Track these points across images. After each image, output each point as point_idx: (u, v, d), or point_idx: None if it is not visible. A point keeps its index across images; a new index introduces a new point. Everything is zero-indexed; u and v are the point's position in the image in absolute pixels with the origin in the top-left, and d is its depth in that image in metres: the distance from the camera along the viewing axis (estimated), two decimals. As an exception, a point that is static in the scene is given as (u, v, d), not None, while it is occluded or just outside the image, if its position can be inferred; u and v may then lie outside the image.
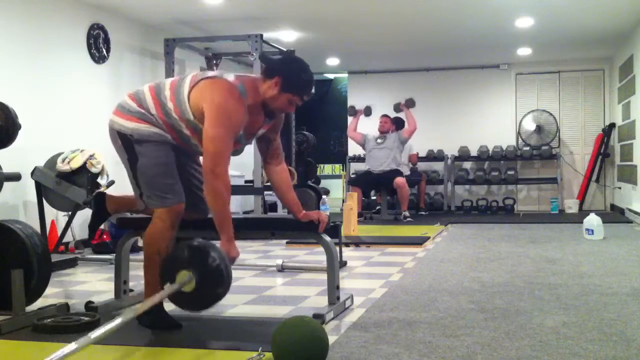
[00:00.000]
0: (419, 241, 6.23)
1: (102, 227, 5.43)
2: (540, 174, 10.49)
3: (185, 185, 3.19)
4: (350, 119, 9.64)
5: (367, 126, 9.49)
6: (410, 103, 9.18)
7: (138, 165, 3.07)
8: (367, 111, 9.50)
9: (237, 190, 8.68)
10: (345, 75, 11.50)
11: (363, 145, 9.18)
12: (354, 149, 10.69)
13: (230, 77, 3.06)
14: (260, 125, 3.21)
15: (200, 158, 3.21)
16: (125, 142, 3.09)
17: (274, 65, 3.13)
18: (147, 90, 3.14)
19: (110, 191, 4.91)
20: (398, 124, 9.27)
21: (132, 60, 7.32)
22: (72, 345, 2.31)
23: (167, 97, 3.07)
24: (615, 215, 8.99)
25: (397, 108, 9.34)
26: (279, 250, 5.94)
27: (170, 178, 3.10)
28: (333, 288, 3.32)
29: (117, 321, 2.54)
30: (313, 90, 3.20)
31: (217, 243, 2.93)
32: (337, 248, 3.53)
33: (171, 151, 3.11)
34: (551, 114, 10.30)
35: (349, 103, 11.03)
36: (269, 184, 3.67)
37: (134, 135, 3.06)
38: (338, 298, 3.34)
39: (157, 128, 3.07)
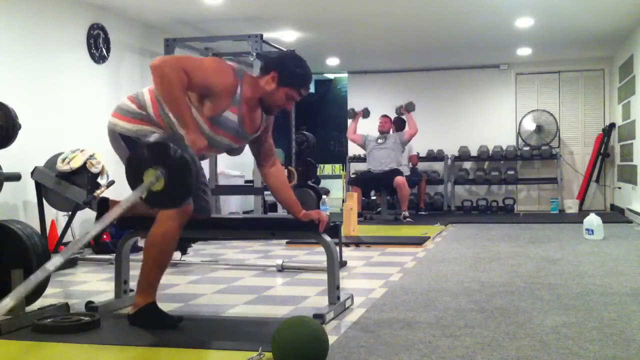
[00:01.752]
0: (419, 241, 6.23)
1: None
2: (540, 174, 10.49)
3: None
4: (349, 122, 9.64)
5: (367, 127, 9.49)
6: (410, 107, 9.18)
7: None
8: (366, 113, 9.50)
9: (237, 190, 8.72)
10: (345, 75, 11.49)
11: (363, 146, 9.20)
12: (354, 149, 10.69)
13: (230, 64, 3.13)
14: (259, 123, 3.21)
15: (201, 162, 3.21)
16: (130, 144, 3.08)
17: (269, 60, 3.15)
18: (146, 93, 3.14)
19: (110, 191, 4.91)
20: (399, 124, 9.27)
21: (132, 60, 7.32)
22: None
23: None
24: (615, 215, 8.99)
25: (399, 111, 9.35)
26: (279, 250, 5.94)
27: None
28: (333, 288, 3.32)
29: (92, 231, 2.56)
30: (312, 87, 3.21)
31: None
32: (337, 248, 3.53)
33: None
34: (551, 114, 10.30)
35: (349, 103, 11.03)
36: (266, 184, 3.66)
37: (139, 137, 3.06)
38: (338, 298, 3.34)
39: (159, 130, 3.07)
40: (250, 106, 3.12)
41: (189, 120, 2.90)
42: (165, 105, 2.97)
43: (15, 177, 4.67)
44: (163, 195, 2.73)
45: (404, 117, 9.27)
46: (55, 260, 2.42)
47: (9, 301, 2.26)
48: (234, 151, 3.33)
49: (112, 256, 4.85)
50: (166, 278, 3.14)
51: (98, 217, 3.49)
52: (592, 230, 6.33)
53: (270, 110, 3.20)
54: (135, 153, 2.83)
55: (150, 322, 3.04)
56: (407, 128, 9.12)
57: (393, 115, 9.44)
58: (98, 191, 5.14)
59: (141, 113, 3.09)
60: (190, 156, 2.74)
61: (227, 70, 3.05)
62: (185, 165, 2.71)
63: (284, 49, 7.40)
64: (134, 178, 2.76)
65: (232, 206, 8.87)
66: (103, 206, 3.49)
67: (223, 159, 7.94)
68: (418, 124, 9.16)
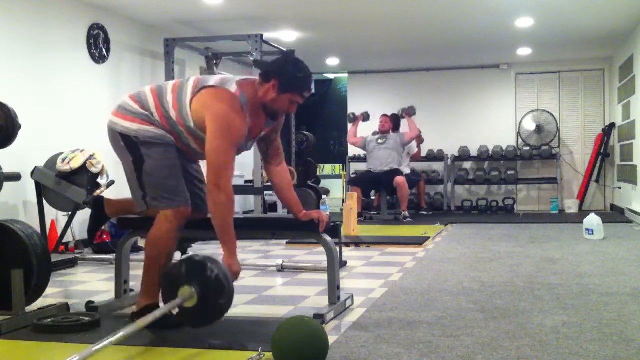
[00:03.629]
0: (419, 241, 6.23)
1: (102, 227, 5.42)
2: (540, 174, 10.49)
3: (187, 186, 3.19)
4: (349, 126, 9.64)
5: (367, 129, 9.50)
6: (411, 111, 9.18)
7: (144, 167, 3.06)
8: (366, 117, 9.50)
9: (237, 190, 8.68)
10: (345, 75, 11.50)
11: (364, 148, 9.21)
12: (354, 148, 10.68)
13: (233, 86, 3.03)
14: (261, 128, 3.21)
15: (201, 162, 3.22)
16: (130, 144, 3.08)
17: (268, 68, 3.11)
18: (149, 92, 3.13)
19: (110, 191, 4.91)
20: (394, 122, 9.27)
21: (132, 60, 7.32)
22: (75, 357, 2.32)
23: (170, 102, 3.06)
24: (615, 215, 8.99)
25: (401, 115, 9.35)
26: (279, 250, 5.94)
27: (177, 180, 3.10)
28: (334, 288, 3.32)
29: (120, 334, 2.53)
30: (313, 88, 3.20)
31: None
32: (337, 248, 3.53)
33: (176, 153, 3.11)
34: (551, 114, 10.30)
35: (349, 103, 11.04)
36: (269, 183, 3.66)
37: (139, 137, 3.05)
38: (339, 298, 3.34)
39: (160, 130, 3.07)
40: (254, 115, 3.10)
41: (230, 243, 3.00)
42: (213, 222, 3.01)
43: (15, 177, 4.67)
44: (194, 312, 2.76)
45: (404, 119, 9.28)
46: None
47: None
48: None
49: (112, 256, 4.85)
50: (166, 278, 3.14)
51: (93, 216, 3.49)
52: (592, 230, 6.33)
53: (276, 116, 3.19)
54: (174, 268, 2.87)
55: (151, 322, 3.04)
56: (407, 129, 9.14)
57: (391, 114, 9.43)
58: (98, 191, 5.13)
59: (143, 113, 3.08)
60: (227, 279, 2.78)
61: (240, 118, 2.99)
62: (220, 288, 2.75)
63: (284, 49, 7.40)
64: (169, 290, 2.81)
65: (232, 206, 8.86)
66: (98, 205, 3.49)
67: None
68: (418, 123, 9.17)
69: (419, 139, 9.53)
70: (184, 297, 2.74)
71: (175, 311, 2.81)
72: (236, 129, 2.97)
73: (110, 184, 5.33)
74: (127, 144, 3.09)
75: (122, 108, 3.14)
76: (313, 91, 3.21)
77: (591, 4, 6.91)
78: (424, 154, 10.36)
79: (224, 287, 2.76)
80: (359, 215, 7.97)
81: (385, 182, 8.80)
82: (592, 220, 6.39)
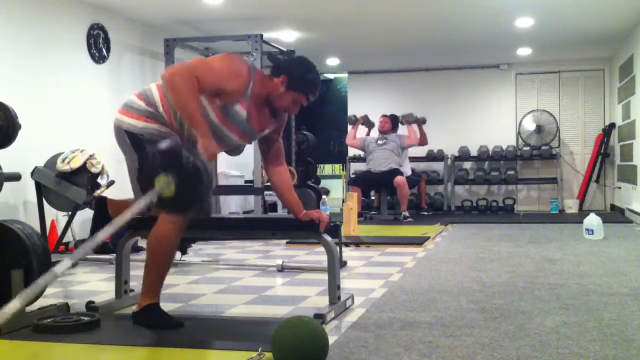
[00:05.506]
0: (419, 241, 6.22)
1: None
2: (540, 174, 10.49)
3: None
4: (349, 128, 9.64)
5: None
6: (409, 118, 9.16)
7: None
8: (367, 121, 9.50)
9: (237, 190, 8.71)
10: (345, 75, 11.49)
11: (364, 149, 9.21)
12: (354, 149, 10.70)
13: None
14: (266, 124, 3.22)
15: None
16: (135, 142, 3.08)
17: (281, 63, 3.18)
18: (154, 89, 3.14)
19: (110, 191, 4.91)
20: (394, 122, 9.27)
21: (132, 60, 7.33)
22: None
23: None
24: (615, 215, 8.99)
25: (401, 121, 9.34)
26: (279, 250, 5.94)
27: None
28: (334, 288, 3.32)
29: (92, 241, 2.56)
30: (317, 92, 3.21)
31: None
32: (337, 248, 3.53)
33: None
34: (551, 114, 10.30)
35: (349, 103, 11.03)
36: (269, 183, 3.67)
37: (144, 135, 3.06)
38: (339, 298, 3.35)
39: (165, 127, 3.07)
40: (257, 104, 3.14)
41: (202, 128, 2.93)
42: (178, 113, 2.99)
43: (15, 177, 4.67)
44: (173, 200, 2.74)
45: (404, 125, 9.28)
46: (63, 264, 2.43)
47: (16, 303, 2.27)
48: (233, 151, 3.33)
49: (112, 256, 4.85)
50: (166, 278, 3.14)
51: (95, 217, 3.49)
52: (592, 230, 6.33)
53: (275, 112, 3.21)
54: (148, 159, 2.84)
55: (151, 322, 3.04)
56: (406, 132, 9.16)
57: (391, 114, 9.43)
58: (98, 191, 5.13)
59: (149, 110, 3.09)
60: (202, 163, 2.76)
61: (240, 70, 3.07)
62: (196, 173, 2.74)
63: (284, 49, 7.40)
64: (145, 183, 2.78)
65: (232, 206, 8.87)
66: (101, 205, 3.49)
67: (223, 158, 7.94)
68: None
69: (422, 142, 9.46)
70: (161, 187, 2.73)
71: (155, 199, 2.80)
72: (236, 71, 3.03)
73: (110, 184, 5.33)
74: (132, 142, 3.09)
75: (128, 106, 3.15)
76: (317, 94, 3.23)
77: (591, 4, 6.91)
78: (423, 154, 10.37)
79: (201, 172, 2.75)
80: (359, 215, 7.96)
81: (385, 182, 8.80)
82: (592, 220, 6.39)
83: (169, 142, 2.87)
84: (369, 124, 9.55)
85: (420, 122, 9.27)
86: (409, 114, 9.22)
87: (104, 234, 2.63)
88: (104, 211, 3.47)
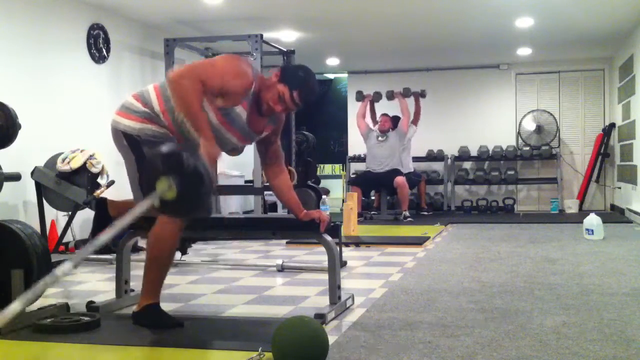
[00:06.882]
0: (419, 241, 6.23)
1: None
2: (540, 174, 10.49)
3: None
4: (359, 105, 9.56)
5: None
6: (406, 92, 9.13)
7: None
8: (377, 97, 9.42)
9: (237, 190, 8.71)
10: (345, 75, 11.50)
11: (365, 137, 9.15)
12: (354, 149, 10.70)
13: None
14: (263, 126, 3.22)
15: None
16: (132, 143, 3.08)
17: (283, 65, 3.26)
18: (151, 90, 3.14)
19: (110, 191, 4.91)
20: (395, 122, 9.26)
21: (132, 60, 7.33)
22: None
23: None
24: (615, 215, 8.99)
25: (391, 96, 9.28)
26: (279, 250, 5.94)
27: None
28: (334, 288, 3.32)
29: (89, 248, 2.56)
30: (305, 94, 3.19)
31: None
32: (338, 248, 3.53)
33: None
34: (551, 114, 10.30)
35: (349, 103, 11.03)
36: (268, 183, 3.66)
37: (141, 136, 3.06)
38: (339, 298, 3.35)
39: (163, 129, 3.07)
40: (257, 106, 3.15)
41: (206, 132, 2.94)
42: (179, 116, 2.99)
43: (15, 177, 4.68)
44: (174, 204, 2.75)
45: (393, 100, 9.23)
46: (65, 267, 2.43)
47: (16, 306, 2.27)
48: (232, 151, 3.33)
49: (112, 256, 4.85)
50: (166, 278, 3.14)
51: (96, 218, 3.49)
52: (592, 230, 6.33)
53: (260, 109, 3.18)
54: (147, 160, 2.85)
55: (151, 322, 3.04)
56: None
57: (392, 115, 9.42)
58: (98, 191, 5.14)
59: (145, 111, 3.08)
60: (204, 166, 2.76)
61: (246, 71, 3.09)
62: (198, 176, 2.73)
63: (284, 49, 7.40)
64: (147, 185, 2.78)
65: (232, 206, 8.87)
66: (101, 206, 3.48)
67: (223, 158, 7.93)
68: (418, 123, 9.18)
69: (416, 118, 9.40)
70: (162, 190, 2.72)
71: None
72: (241, 71, 3.06)
73: (110, 184, 5.33)
74: (130, 143, 3.09)
75: (125, 107, 3.14)
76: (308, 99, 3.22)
77: (591, 4, 6.91)
78: (423, 153, 10.36)
79: (202, 175, 2.74)
80: (359, 215, 7.97)
81: (385, 182, 8.80)
82: (592, 220, 6.38)
83: (170, 145, 2.87)
84: (377, 98, 9.46)
85: (419, 94, 9.23)
86: (407, 88, 9.17)
87: (105, 236, 2.63)
88: (104, 213, 3.46)
